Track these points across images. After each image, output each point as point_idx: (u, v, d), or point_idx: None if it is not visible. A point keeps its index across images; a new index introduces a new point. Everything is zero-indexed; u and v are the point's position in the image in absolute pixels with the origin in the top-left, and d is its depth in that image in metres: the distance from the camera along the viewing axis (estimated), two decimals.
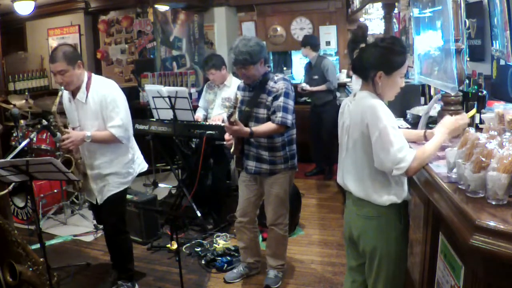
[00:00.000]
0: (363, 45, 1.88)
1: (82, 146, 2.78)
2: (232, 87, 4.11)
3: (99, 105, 2.68)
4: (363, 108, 1.84)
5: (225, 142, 3.02)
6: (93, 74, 2.78)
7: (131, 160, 2.89)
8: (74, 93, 2.72)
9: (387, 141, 1.73)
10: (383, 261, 1.92)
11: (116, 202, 2.87)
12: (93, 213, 3.34)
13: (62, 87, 2.66)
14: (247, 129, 2.65)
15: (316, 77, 5.14)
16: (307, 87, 5.18)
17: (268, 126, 2.72)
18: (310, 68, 5.27)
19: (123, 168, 2.85)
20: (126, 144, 2.83)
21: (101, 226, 3.99)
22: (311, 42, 5.13)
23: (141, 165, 3.03)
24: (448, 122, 1.88)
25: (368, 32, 5.13)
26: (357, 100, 1.90)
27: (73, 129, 2.77)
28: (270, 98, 2.75)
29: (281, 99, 2.71)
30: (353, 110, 1.91)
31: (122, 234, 2.97)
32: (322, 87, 5.10)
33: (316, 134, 5.31)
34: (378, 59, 1.83)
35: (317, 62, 5.13)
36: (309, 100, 6.34)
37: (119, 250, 3.01)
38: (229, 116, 2.53)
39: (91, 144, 2.72)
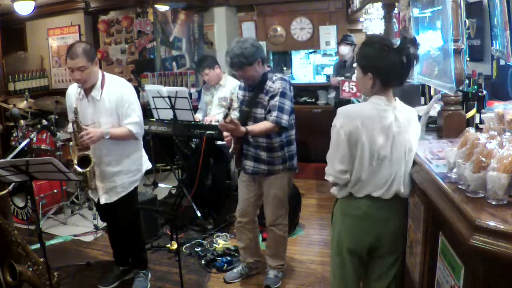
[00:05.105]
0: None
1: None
2: (227, 86, 4.13)
3: (115, 103, 2.70)
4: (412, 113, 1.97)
5: (224, 141, 3.01)
6: (105, 73, 2.81)
7: (140, 157, 2.93)
8: (87, 91, 2.72)
9: None
10: None
11: (130, 200, 2.89)
12: (97, 211, 3.32)
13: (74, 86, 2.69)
14: (242, 128, 2.64)
15: (348, 74, 5.29)
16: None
17: (263, 125, 2.71)
18: (344, 66, 5.42)
19: (133, 165, 2.87)
20: (136, 141, 2.85)
21: (101, 227, 4.01)
22: (352, 40, 5.31)
23: (146, 163, 3.06)
24: None
25: (369, 33, 5.16)
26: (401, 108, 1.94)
27: (86, 126, 2.77)
28: (267, 98, 2.74)
29: (277, 98, 2.70)
30: (403, 120, 1.89)
31: (137, 228, 3.01)
32: None
33: None
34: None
35: (353, 61, 5.30)
36: (309, 100, 6.32)
37: (135, 243, 3.04)
38: (224, 117, 2.52)
39: (100, 141, 2.71)
